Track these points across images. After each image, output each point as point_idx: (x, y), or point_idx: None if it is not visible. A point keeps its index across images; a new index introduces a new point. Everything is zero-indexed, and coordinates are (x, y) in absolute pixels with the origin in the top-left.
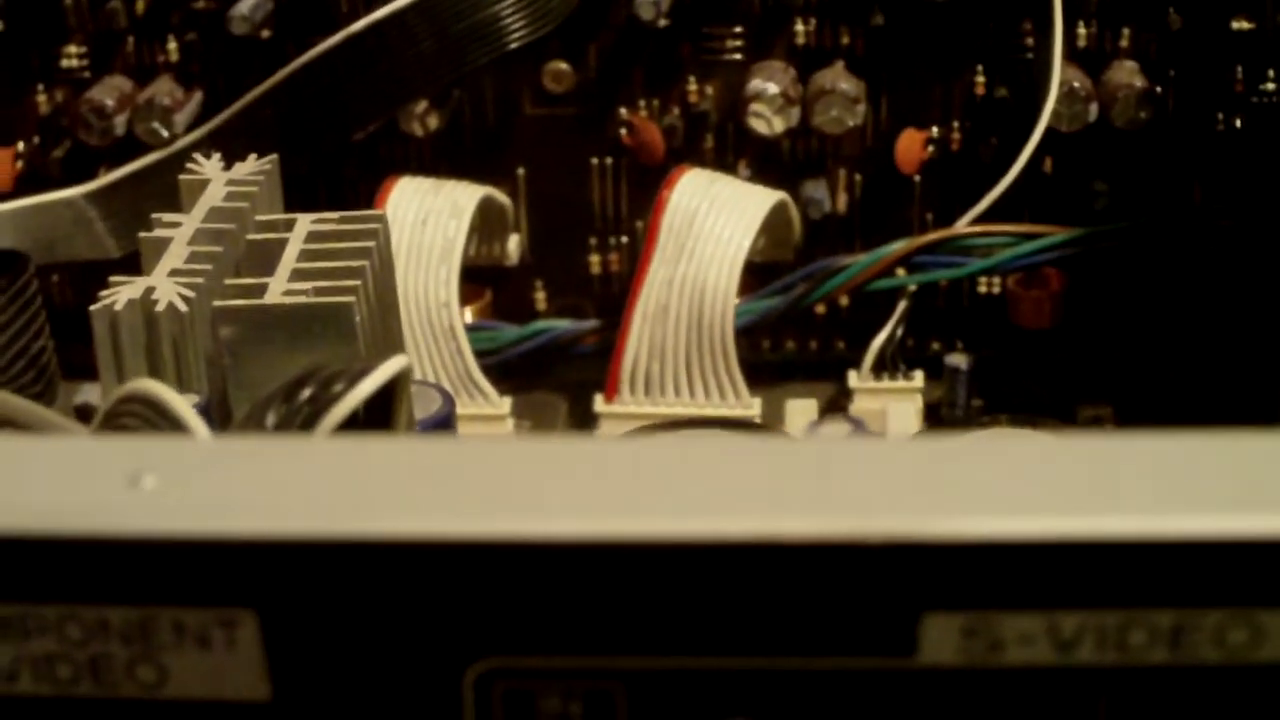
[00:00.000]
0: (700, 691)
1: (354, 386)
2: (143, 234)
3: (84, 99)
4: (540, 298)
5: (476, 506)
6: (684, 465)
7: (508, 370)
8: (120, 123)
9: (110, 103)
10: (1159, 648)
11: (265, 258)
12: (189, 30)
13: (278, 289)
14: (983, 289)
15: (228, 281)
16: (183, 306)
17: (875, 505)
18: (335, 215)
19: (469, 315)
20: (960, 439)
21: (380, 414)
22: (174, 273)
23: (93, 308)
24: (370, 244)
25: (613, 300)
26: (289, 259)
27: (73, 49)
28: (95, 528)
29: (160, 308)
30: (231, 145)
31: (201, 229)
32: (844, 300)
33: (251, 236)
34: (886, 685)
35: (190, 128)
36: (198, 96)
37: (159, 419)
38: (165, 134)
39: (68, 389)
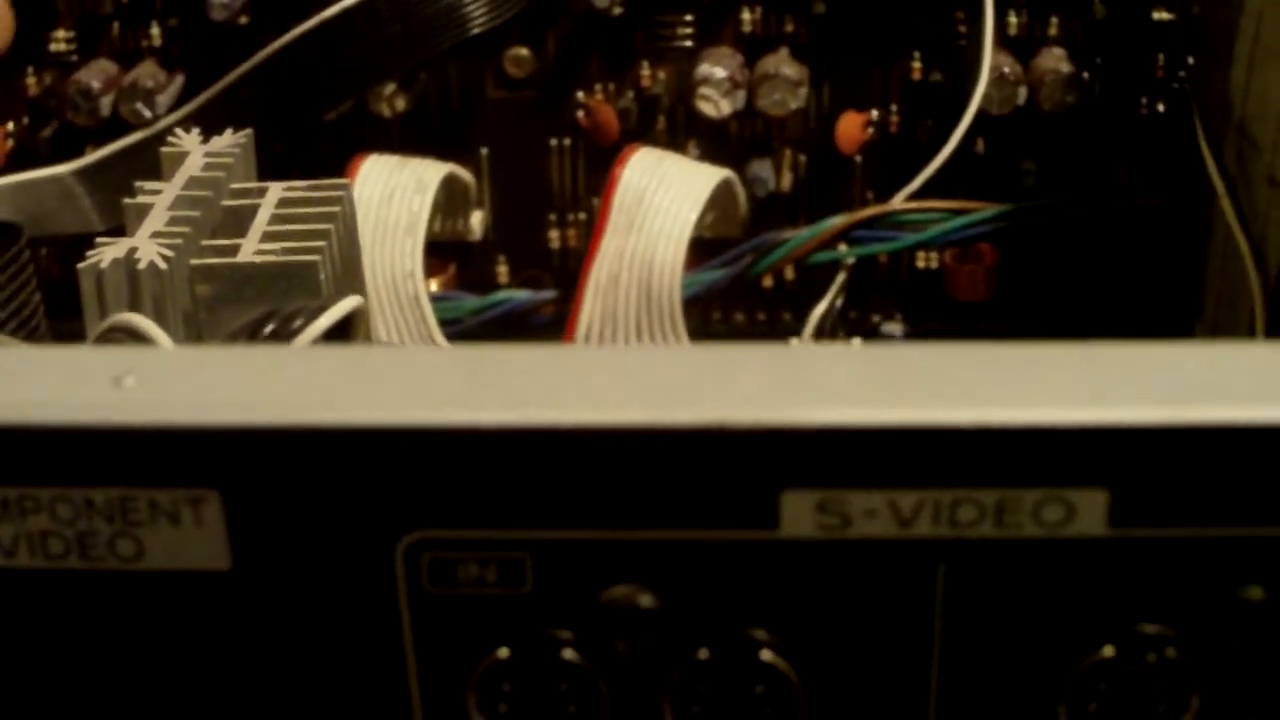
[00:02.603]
0: (595, 559)
1: (312, 321)
2: (127, 200)
3: (71, 81)
4: (502, 271)
5: (406, 401)
6: (584, 366)
7: (470, 338)
8: (106, 104)
9: (97, 85)
10: (986, 523)
11: (239, 222)
12: (171, 16)
13: (249, 249)
14: (921, 264)
15: (204, 243)
16: (163, 265)
17: (743, 398)
18: (304, 184)
19: (434, 286)
20: (818, 345)
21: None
22: (155, 235)
23: (80, 265)
24: (335, 209)
25: (571, 273)
26: (260, 222)
27: (61, 33)
28: (83, 420)
29: (142, 266)
30: (211, 125)
31: (181, 196)
32: (789, 274)
33: (227, 203)
34: (753, 554)
35: (172, 109)
36: (179, 79)
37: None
38: (148, 114)
39: None
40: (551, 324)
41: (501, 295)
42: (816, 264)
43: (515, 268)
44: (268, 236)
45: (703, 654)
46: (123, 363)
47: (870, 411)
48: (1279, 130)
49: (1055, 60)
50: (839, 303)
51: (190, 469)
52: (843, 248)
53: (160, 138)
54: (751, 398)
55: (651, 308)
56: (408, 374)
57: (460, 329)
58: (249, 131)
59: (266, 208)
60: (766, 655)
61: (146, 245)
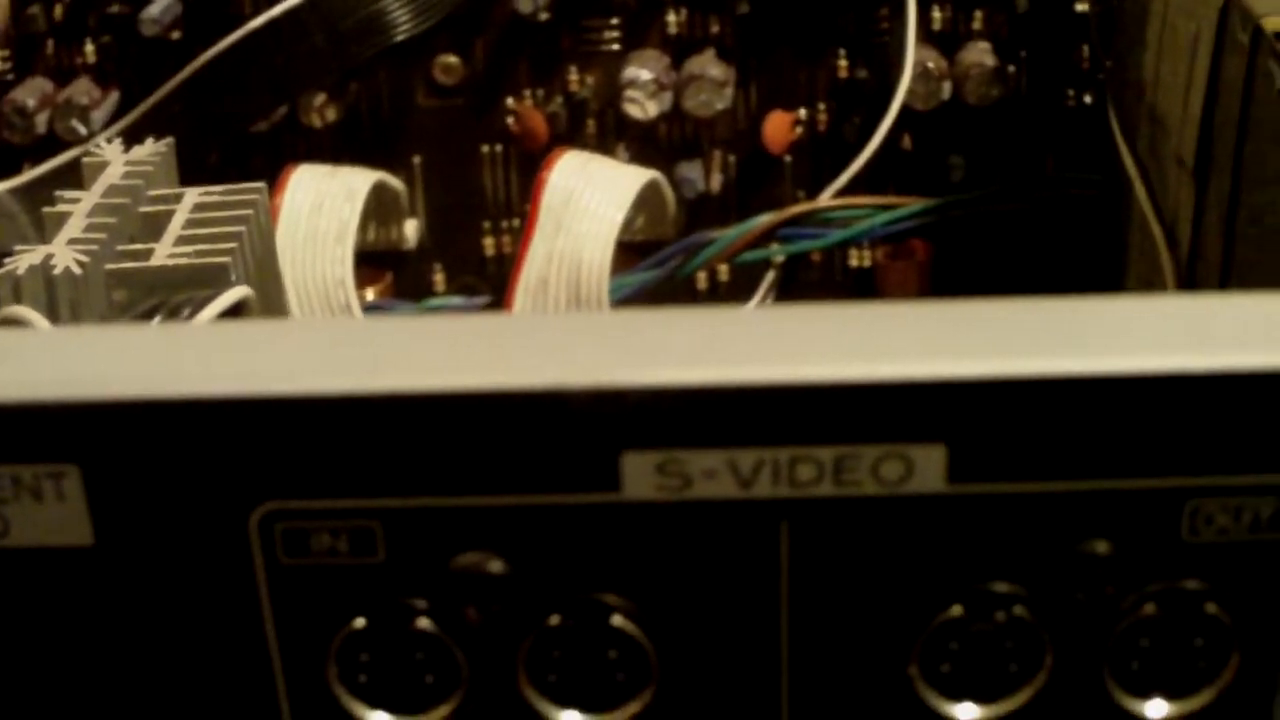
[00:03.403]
0: (444, 527)
1: (199, 311)
2: (46, 209)
3: (7, 100)
4: (439, 279)
5: (253, 372)
6: (428, 333)
7: None
8: (41, 121)
9: (32, 103)
10: (825, 481)
11: (156, 227)
12: (104, 33)
13: (163, 253)
14: (854, 262)
15: (119, 248)
16: (78, 270)
17: (581, 361)
18: (220, 189)
19: (371, 295)
20: (658, 311)
21: None
22: (72, 241)
23: None
24: (248, 212)
25: (505, 279)
26: (175, 227)
27: None
28: None
29: (58, 272)
30: (144, 139)
31: (99, 204)
32: (723, 273)
33: (144, 209)
34: (597, 518)
35: (107, 124)
36: (114, 95)
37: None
38: (84, 131)
39: None
40: None
41: (435, 302)
42: (748, 263)
43: (451, 275)
44: (182, 240)
45: (554, 620)
46: None
47: (705, 371)
48: (1184, 111)
49: (980, 54)
50: (769, 302)
51: (49, 444)
52: (774, 246)
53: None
54: (589, 361)
55: (581, 310)
56: (256, 346)
57: None
58: (169, 140)
59: (182, 213)
60: (617, 620)
61: (63, 252)
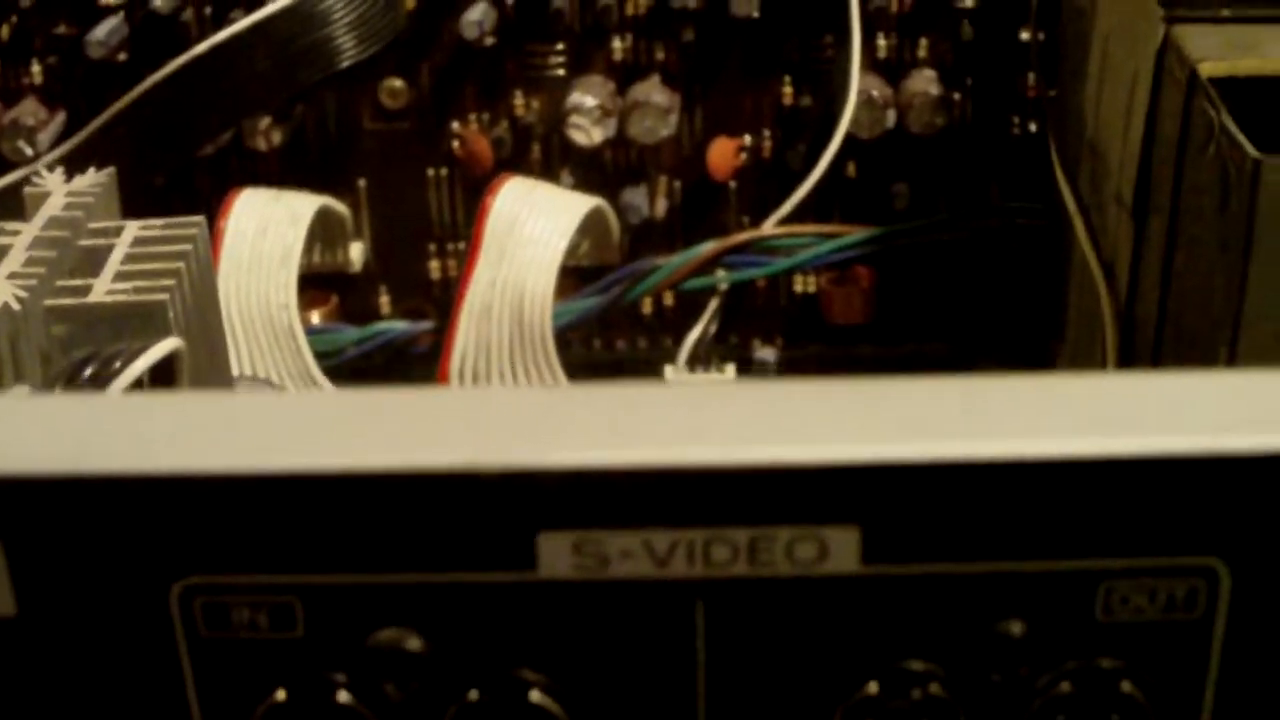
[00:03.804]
0: (363, 603)
1: (130, 362)
2: None
3: None
4: (384, 302)
5: (172, 448)
6: (343, 411)
7: (350, 370)
8: None
9: None
10: (740, 561)
11: (95, 261)
12: (51, 54)
13: (101, 289)
14: (799, 288)
15: (58, 283)
16: (16, 306)
17: (496, 441)
18: (160, 222)
19: (316, 319)
20: (574, 388)
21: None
22: (11, 276)
23: None
24: (187, 247)
25: (452, 302)
26: (114, 262)
27: None
28: None
29: None
30: (91, 161)
31: (39, 236)
32: (669, 299)
33: (83, 242)
34: (514, 596)
35: (53, 145)
36: (60, 116)
37: None
38: (30, 152)
39: None
40: (430, 354)
41: (380, 326)
42: (693, 290)
43: (396, 298)
44: (120, 276)
45: (473, 695)
46: None
47: (621, 453)
48: (1124, 149)
49: (925, 82)
50: (713, 329)
51: None
52: (719, 272)
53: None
54: (505, 441)
55: (524, 337)
56: (177, 421)
57: (340, 361)
58: (111, 171)
59: (121, 247)
60: (535, 696)
61: (1, 286)
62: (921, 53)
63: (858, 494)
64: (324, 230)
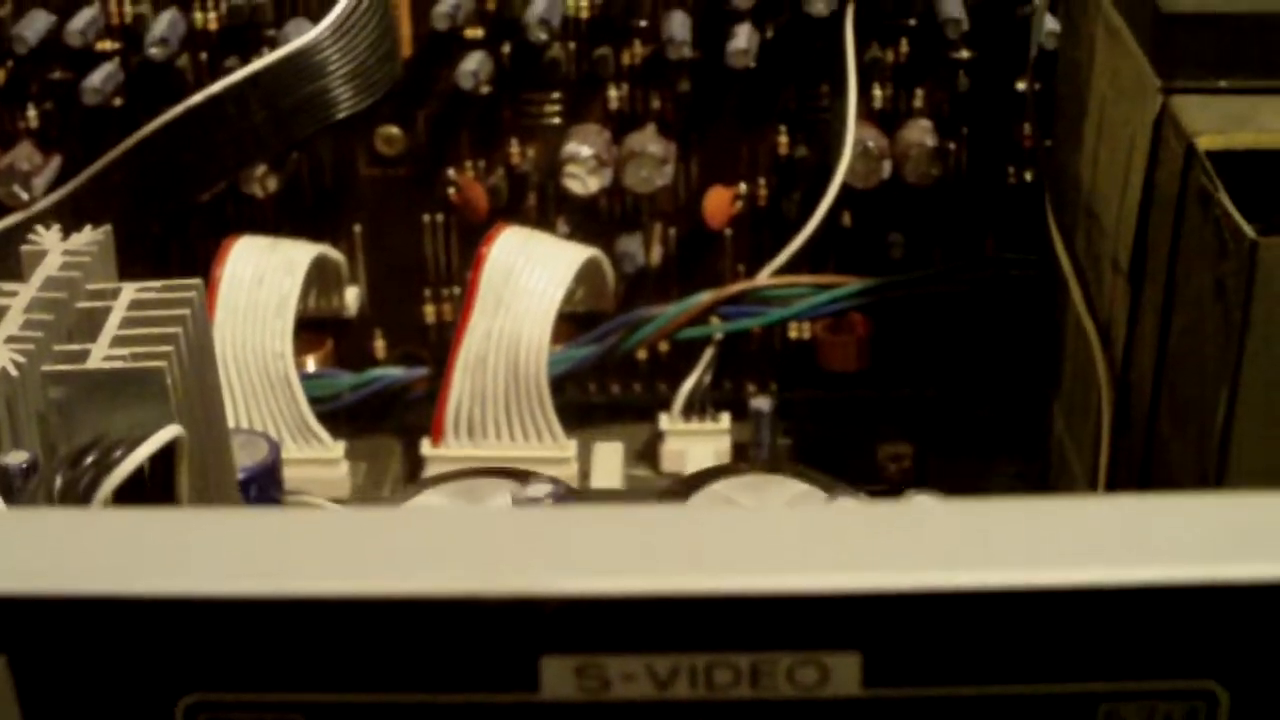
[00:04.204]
0: None
1: (130, 453)
2: None
3: None
4: (380, 346)
5: (180, 569)
6: (346, 529)
7: (347, 415)
8: None
9: None
10: (742, 685)
11: (92, 325)
12: (46, 99)
13: (99, 354)
14: (793, 334)
15: (55, 348)
16: (14, 371)
17: (500, 566)
18: (157, 284)
19: (312, 364)
20: (578, 509)
21: (164, 475)
22: (9, 339)
23: None
24: (185, 311)
25: (447, 347)
26: (111, 326)
27: None
28: None
29: None
30: (86, 208)
31: (37, 298)
32: (663, 346)
33: (81, 304)
34: (517, 717)
35: (48, 190)
36: (56, 160)
37: None
38: (25, 196)
39: None
40: (425, 400)
41: (376, 373)
42: (688, 339)
43: (392, 343)
44: (118, 341)
45: None
46: None
47: (623, 579)
48: (1120, 214)
49: (921, 133)
50: (708, 378)
51: None
52: (715, 322)
53: (38, 218)
54: (508, 565)
55: (519, 387)
56: (181, 540)
57: (335, 406)
58: (108, 229)
59: (118, 310)
60: None
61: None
62: (917, 103)
63: (858, 621)
64: (320, 275)
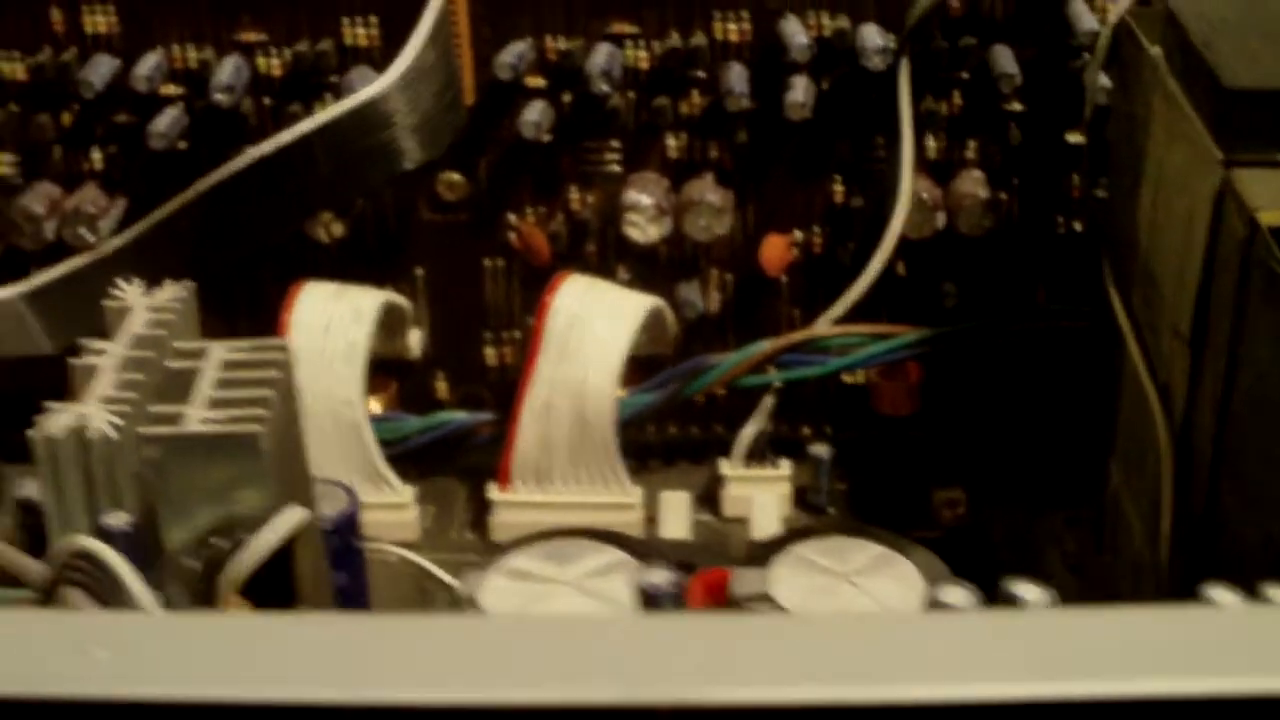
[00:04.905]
0: None
1: (258, 538)
2: (73, 360)
3: (17, 206)
4: (441, 387)
5: (363, 678)
6: (503, 639)
7: (412, 458)
8: (50, 228)
9: (41, 210)
10: None
11: (183, 385)
12: (112, 142)
13: (195, 417)
14: (847, 380)
15: (151, 409)
16: (113, 434)
17: (673, 674)
18: (245, 344)
19: (376, 406)
20: (733, 618)
21: (285, 552)
22: (104, 400)
23: (31, 434)
24: (275, 374)
25: (508, 389)
26: (204, 387)
27: (3, 156)
28: (59, 692)
29: (93, 435)
30: (151, 252)
31: (127, 357)
32: (720, 389)
33: (170, 364)
34: None
35: (115, 232)
36: (121, 203)
37: (103, 577)
38: (91, 238)
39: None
40: (490, 443)
41: (443, 417)
42: (747, 387)
43: (454, 384)
44: (212, 403)
45: None
46: (90, 631)
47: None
48: (1180, 283)
49: (973, 184)
50: (768, 426)
51: None
52: (772, 370)
53: (105, 261)
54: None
55: (586, 435)
56: (362, 650)
57: (402, 449)
58: (190, 284)
59: (210, 371)
60: None
61: (96, 412)
62: (970, 154)
63: None
64: (385, 319)
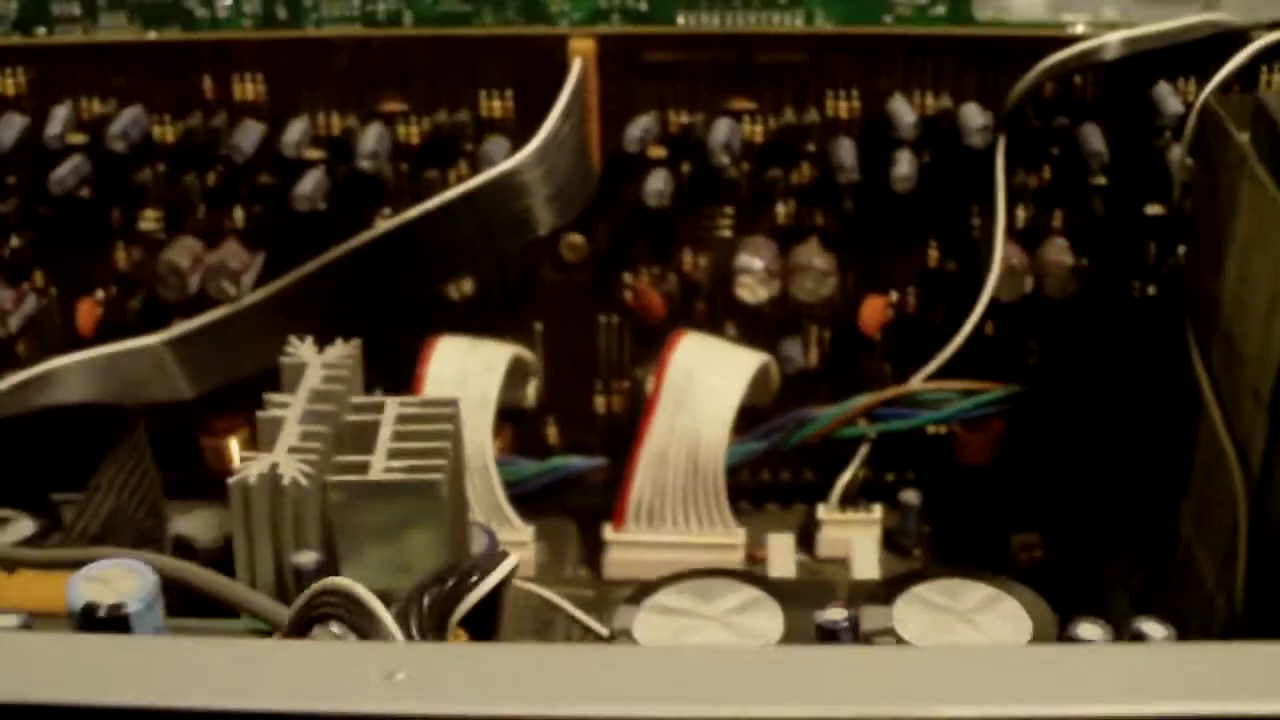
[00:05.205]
0: None
1: (483, 579)
2: (258, 413)
3: (163, 260)
4: (552, 433)
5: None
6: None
7: (530, 499)
8: (194, 281)
9: (185, 264)
10: None
11: (363, 437)
12: (255, 202)
13: (379, 466)
14: (931, 430)
15: (337, 459)
16: (305, 482)
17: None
18: (416, 400)
19: (493, 451)
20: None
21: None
22: (291, 450)
23: (230, 481)
24: (449, 427)
25: (615, 435)
26: (384, 439)
27: (150, 212)
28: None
29: (286, 482)
30: (291, 307)
31: (308, 410)
32: (811, 441)
33: (350, 418)
34: None
35: (255, 286)
36: (260, 258)
37: (353, 609)
38: (234, 292)
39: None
40: (602, 488)
41: (558, 462)
42: (843, 438)
43: (563, 430)
44: (393, 454)
45: None
46: (391, 660)
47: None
48: (1263, 350)
49: (1059, 251)
50: (862, 474)
51: None
52: (864, 422)
53: (245, 313)
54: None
55: (697, 481)
56: (626, 669)
57: (519, 491)
58: (358, 342)
59: (387, 424)
60: None
61: (286, 461)
62: (1055, 223)
63: None
64: (510, 370)
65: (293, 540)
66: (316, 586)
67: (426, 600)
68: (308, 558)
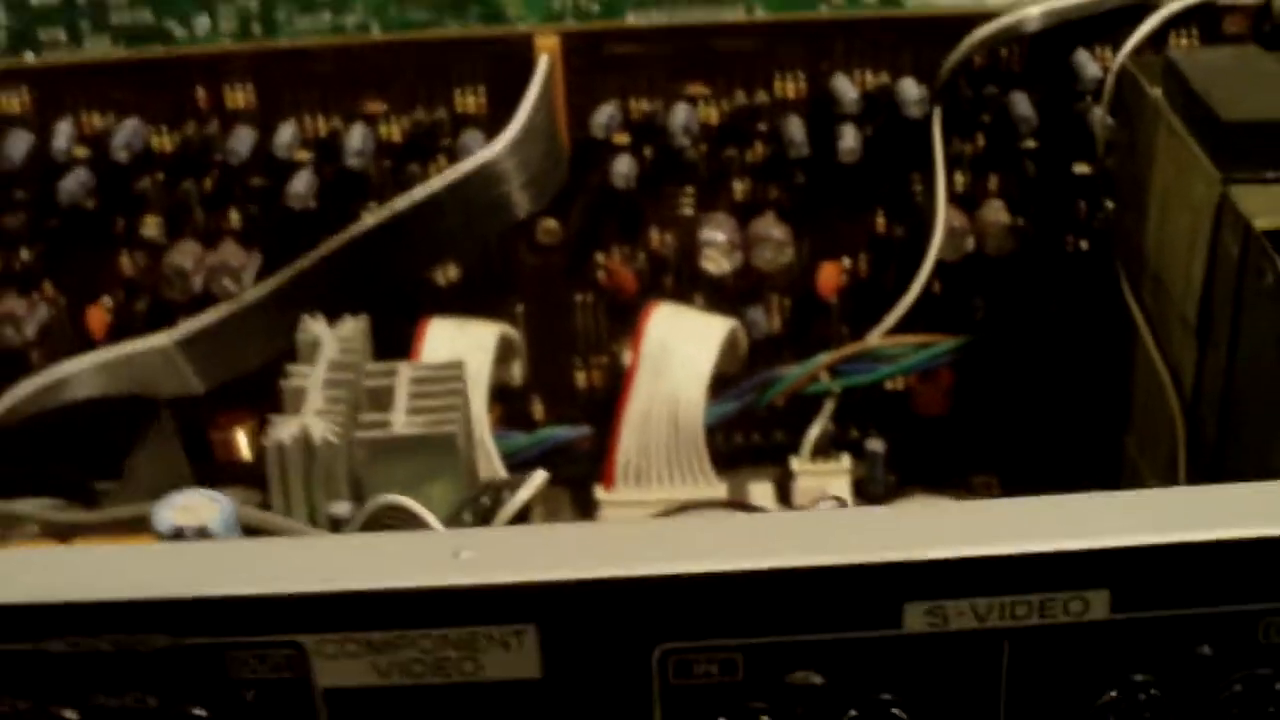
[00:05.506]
0: (783, 655)
1: (516, 492)
2: (283, 382)
3: (166, 263)
4: (538, 409)
5: (662, 556)
6: (773, 525)
7: (523, 468)
8: (198, 281)
9: (189, 265)
10: (1034, 615)
11: (381, 398)
12: (250, 203)
13: (399, 422)
14: (889, 386)
15: (362, 417)
16: (335, 440)
17: (863, 542)
18: (426, 366)
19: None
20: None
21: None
22: (319, 412)
23: (265, 441)
24: (460, 384)
25: (596, 408)
26: (401, 399)
27: (151, 219)
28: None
29: (317, 441)
30: (293, 299)
31: (329, 378)
32: (779, 400)
33: (367, 383)
34: (885, 647)
35: (254, 283)
36: (258, 256)
37: (407, 521)
38: (235, 289)
39: None
40: (590, 455)
41: (547, 433)
42: (809, 394)
43: (548, 406)
44: (412, 410)
45: (852, 713)
46: (457, 541)
47: (963, 548)
48: (1186, 281)
49: (996, 212)
50: (830, 426)
51: (511, 608)
52: (827, 378)
53: (249, 309)
54: (870, 542)
55: (679, 440)
56: (661, 536)
57: (515, 461)
58: (365, 317)
59: (402, 387)
60: (896, 712)
61: (315, 423)
62: (991, 186)
63: (1108, 568)
64: (498, 348)
65: (324, 495)
66: (373, 504)
67: (467, 515)
68: (342, 507)
